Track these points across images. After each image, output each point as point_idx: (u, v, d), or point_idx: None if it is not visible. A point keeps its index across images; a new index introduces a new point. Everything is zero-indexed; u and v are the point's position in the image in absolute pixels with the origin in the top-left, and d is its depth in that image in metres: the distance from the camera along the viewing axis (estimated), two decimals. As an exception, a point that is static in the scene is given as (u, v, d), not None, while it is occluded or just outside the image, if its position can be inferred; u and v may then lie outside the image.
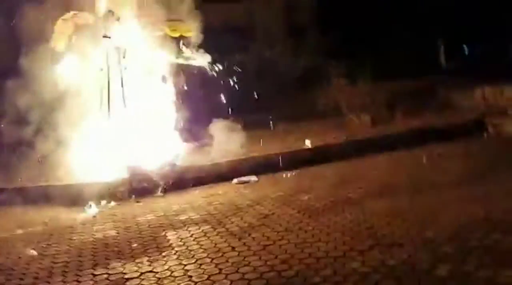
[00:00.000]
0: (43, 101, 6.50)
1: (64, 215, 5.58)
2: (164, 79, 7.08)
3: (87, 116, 6.70)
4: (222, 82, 13.03)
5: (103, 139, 6.60)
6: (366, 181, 5.62)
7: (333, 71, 9.45)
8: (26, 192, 6.10)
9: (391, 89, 9.35)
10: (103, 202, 5.88)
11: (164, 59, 7.42)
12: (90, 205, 5.74)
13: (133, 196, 6.01)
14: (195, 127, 7.93)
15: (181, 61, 8.01)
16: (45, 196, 5.98)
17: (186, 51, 8.09)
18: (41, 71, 6.51)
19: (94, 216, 5.48)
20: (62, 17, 6.67)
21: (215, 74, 13.52)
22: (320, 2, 22.28)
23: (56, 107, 6.52)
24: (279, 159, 6.80)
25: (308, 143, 7.26)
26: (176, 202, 5.72)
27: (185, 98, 7.96)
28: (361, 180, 5.68)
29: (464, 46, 13.34)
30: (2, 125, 6.82)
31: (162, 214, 5.25)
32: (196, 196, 5.90)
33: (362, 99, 8.74)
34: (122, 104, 6.70)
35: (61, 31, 6.65)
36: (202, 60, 8.30)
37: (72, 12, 6.72)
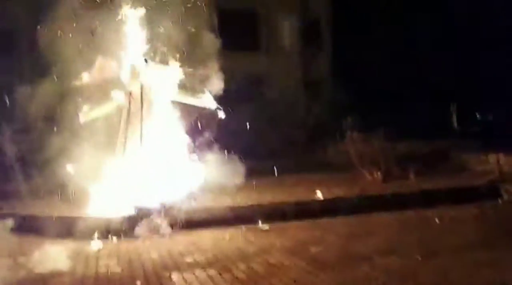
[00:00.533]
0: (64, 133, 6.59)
1: (69, 247, 5.50)
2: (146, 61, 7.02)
3: (105, 150, 6.74)
4: (234, 127, 13.22)
5: (117, 173, 6.61)
6: (377, 238, 5.51)
7: (346, 125, 9.50)
8: (34, 221, 6.06)
9: (404, 148, 9.37)
10: (109, 238, 5.80)
11: (180, 99, 7.51)
12: (96, 239, 5.66)
13: (140, 233, 5.93)
14: (205, 168, 7.90)
15: (195, 102, 8.08)
16: (52, 227, 5.92)
17: (201, 94, 8.18)
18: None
19: (99, 251, 5.39)
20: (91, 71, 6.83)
21: (227, 119, 13.73)
22: (336, 57, 22.91)
23: (76, 139, 6.59)
24: (289, 209, 6.73)
25: (319, 195, 7.21)
26: (182, 242, 5.64)
27: (197, 139, 7.98)
28: (372, 236, 5.58)
29: (477, 111, 13.50)
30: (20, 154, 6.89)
31: (168, 254, 5.16)
32: (203, 238, 5.81)
33: (375, 155, 8.73)
34: (139, 141, 6.75)
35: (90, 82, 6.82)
36: (215, 103, 8.33)
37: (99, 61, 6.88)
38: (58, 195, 6.89)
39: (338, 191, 7.72)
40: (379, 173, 8.52)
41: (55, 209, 6.52)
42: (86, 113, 6.76)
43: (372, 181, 8.48)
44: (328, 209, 6.82)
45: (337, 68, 22.62)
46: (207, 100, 7.61)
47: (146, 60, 6.96)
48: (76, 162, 6.55)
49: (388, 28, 21.98)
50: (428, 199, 7.13)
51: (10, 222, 5.98)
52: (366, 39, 21.59)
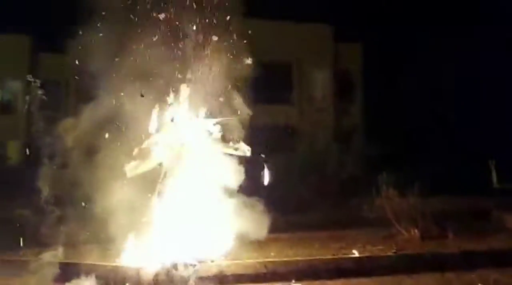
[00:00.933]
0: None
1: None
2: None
3: (142, 199, 6.80)
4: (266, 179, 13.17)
5: (152, 223, 6.62)
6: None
7: (381, 180, 9.31)
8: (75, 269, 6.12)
9: (441, 205, 9.09)
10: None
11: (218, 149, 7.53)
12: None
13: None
14: (237, 221, 7.81)
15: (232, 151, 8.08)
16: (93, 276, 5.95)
17: (235, 146, 8.19)
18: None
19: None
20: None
21: (259, 171, 13.72)
22: (368, 109, 22.96)
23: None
24: (323, 266, 6.51)
25: (355, 252, 6.99)
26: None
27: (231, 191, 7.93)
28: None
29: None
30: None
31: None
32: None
33: (412, 212, 8.47)
34: (175, 193, 6.80)
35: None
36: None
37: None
38: (94, 240, 6.94)
39: (374, 249, 7.48)
40: (416, 230, 8.23)
41: (91, 256, 6.55)
42: (133, 169, 6.86)
43: (409, 238, 8.19)
44: (363, 267, 6.57)
45: (369, 120, 22.66)
46: (243, 149, 7.57)
47: (172, 120, 7.06)
48: (115, 208, 6.62)
49: (422, 79, 22.04)
50: (469, 260, 6.80)
51: (51, 271, 6.02)
52: (398, 91, 21.70)
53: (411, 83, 22.00)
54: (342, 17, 21.88)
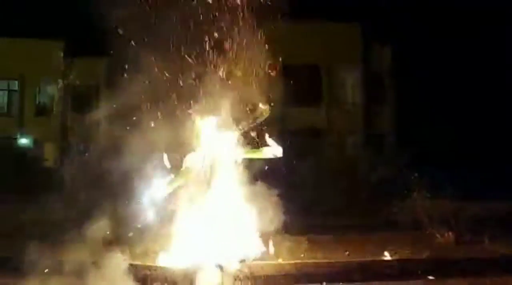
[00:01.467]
0: None
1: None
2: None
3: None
4: (295, 182, 13.13)
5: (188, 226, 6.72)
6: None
7: (413, 182, 9.14)
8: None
9: (475, 209, 8.85)
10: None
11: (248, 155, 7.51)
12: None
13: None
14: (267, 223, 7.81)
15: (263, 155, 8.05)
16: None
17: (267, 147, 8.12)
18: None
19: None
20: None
21: (289, 174, 13.70)
22: (400, 110, 22.56)
23: None
24: (353, 268, 6.44)
25: (387, 255, 6.89)
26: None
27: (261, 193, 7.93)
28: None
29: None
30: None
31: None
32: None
33: (446, 215, 8.29)
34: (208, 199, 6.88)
35: None
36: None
37: None
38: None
39: (406, 252, 7.35)
40: (450, 234, 8.05)
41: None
42: (170, 184, 6.96)
43: (443, 243, 8.01)
44: (396, 271, 6.47)
45: (401, 122, 22.28)
46: (273, 150, 7.50)
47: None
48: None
49: (456, 80, 21.53)
50: (508, 266, 6.60)
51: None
52: (431, 91, 21.28)
53: (445, 83, 21.56)
54: (372, 16, 21.64)
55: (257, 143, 7.54)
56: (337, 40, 22.14)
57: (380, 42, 23.21)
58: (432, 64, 21.97)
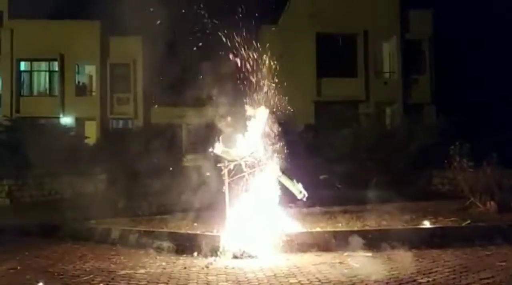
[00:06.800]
0: None
1: (179, 262, 5.91)
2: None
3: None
4: (332, 154, 13.09)
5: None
6: (492, 272, 5.11)
7: (454, 151, 8.96)
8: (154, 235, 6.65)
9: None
10: (216, 255, 6.07)
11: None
12: (205, 255, 6.02)
13: (243, 254, 6.06)
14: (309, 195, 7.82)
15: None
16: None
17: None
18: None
19: (207, 267, 5.63)
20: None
21: (326, 146, 13.65)
22: (439, 79, 21.90)
23: None
24: (394, 236, 6.45)
25: (426, 223, 6.86)
26: (284, 265, 5.66)
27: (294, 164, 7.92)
28: (486, 271, 5.19)
29: None
30: None
31: (272, 274, 5.23)
32: (304, 262, 5.79)
33: (487, 183, 8.14)
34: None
35: None
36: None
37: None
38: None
39: (446, 220, 7.30)
40: (492, 202, 7.91)
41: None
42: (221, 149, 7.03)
43: (484, 211, 7.90)
44: (437, 238, 6.45)
45: (440, 91, 21.63)
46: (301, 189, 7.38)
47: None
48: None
49: (497, 48, 20.61)
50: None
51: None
52: (471, 60, 20.44)
53: (485, 52, 20.71)
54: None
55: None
56: (374, 7, 21.54)
57: (419, 8, 22.44)
58: (473, 30, 21.06)
